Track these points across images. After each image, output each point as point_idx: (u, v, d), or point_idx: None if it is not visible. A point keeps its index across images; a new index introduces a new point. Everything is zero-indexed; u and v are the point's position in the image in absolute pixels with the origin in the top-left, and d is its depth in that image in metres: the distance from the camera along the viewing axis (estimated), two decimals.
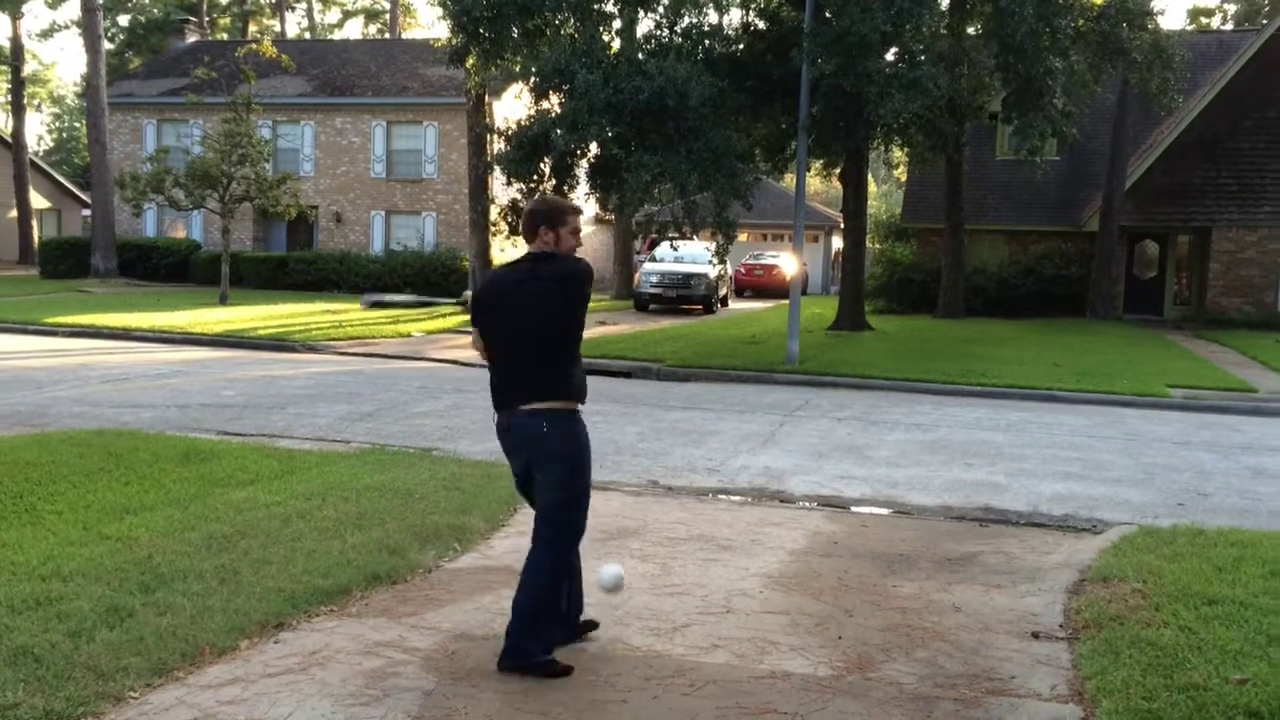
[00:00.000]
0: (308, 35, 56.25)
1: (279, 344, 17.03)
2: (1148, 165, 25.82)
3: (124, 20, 49.62)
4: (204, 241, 33.37)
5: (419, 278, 30.45)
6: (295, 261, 31.72)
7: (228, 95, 26.88)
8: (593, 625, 4.62)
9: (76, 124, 68.63)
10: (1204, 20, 48.75)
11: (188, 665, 4.04)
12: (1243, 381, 15.00)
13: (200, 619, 4.40)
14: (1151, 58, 20.39)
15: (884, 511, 7.36)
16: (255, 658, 4.19)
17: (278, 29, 54.24)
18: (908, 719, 3.83)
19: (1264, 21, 25.79)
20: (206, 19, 48.04)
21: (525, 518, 6.52)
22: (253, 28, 53.54)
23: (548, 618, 4.20)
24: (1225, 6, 49.05)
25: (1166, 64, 20.69)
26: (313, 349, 16.82)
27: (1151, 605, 4.85)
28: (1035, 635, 4.78)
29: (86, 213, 40.98)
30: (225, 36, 50.10)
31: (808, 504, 7.48)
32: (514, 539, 6.08)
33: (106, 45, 38.75)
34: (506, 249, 26.66)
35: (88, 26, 32.78)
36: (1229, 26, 45.32)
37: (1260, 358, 18.02)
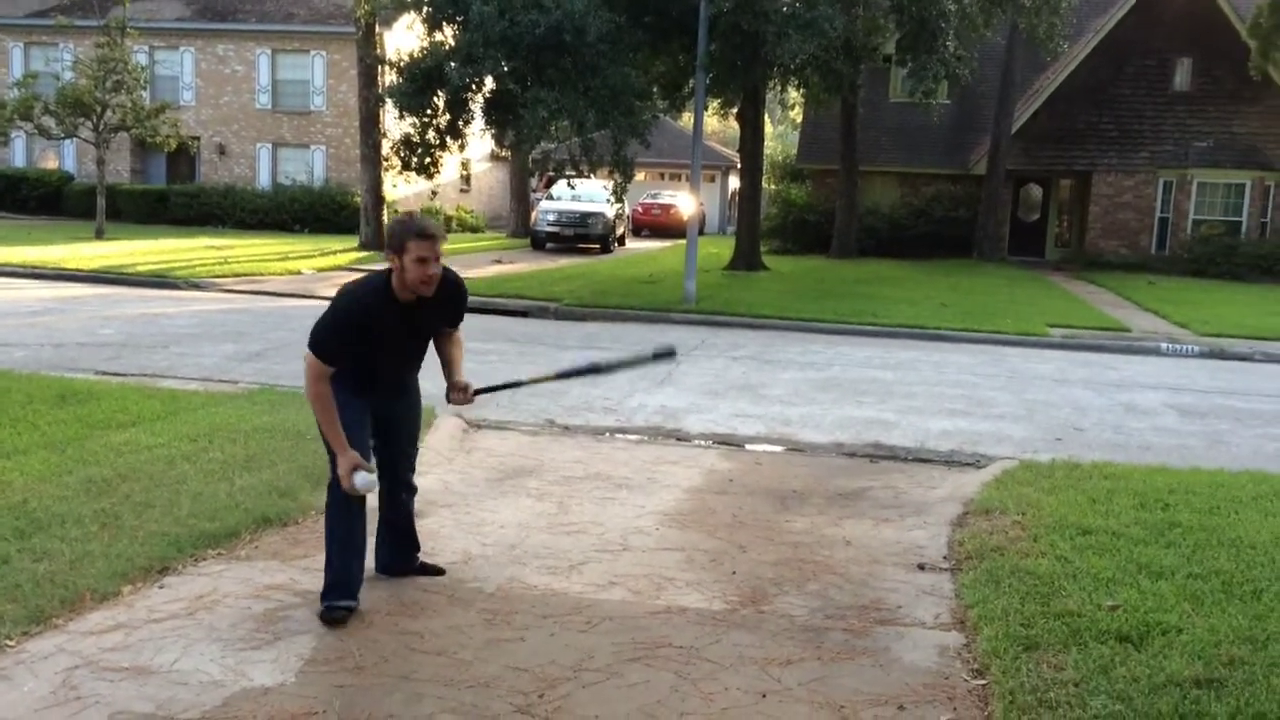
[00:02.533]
0: None
1: (160, 280, 16.40)
2: (1033, 110, 26.48)
3: None
4: (78, 173, 31.83)
5: (309, 214, 29.62)
6: (176, 195, 30.53)
7: (101, 18, 25.49)
8: (435, 570, 4.56)
9: None
10: None
11: (68, 612, 3.91)
12: (1118, 321, 15.63)
13: (80, 565, 4.25)
14: (1039, 2, 20.81)
15: (778, 449, 7.48)
16: (139, 603, 4.07)
17: None
18: (799, 649, 3.93)
19: None
20: None
21: (420, 459, 6.45)
22: None
23: (336, 563, 4.11)
24: None
25: (1054, 10, 21.18)
26: (196, 286, 16.26)
27: (1030, 536, 5.05)
28: (921, 567, 4.93)
29: None
30: None
31: (703, 442, 7.56)
32: None
33: None
34: (399, 184, 26.06)
35: None
36: None
37: (1134, 298, 18.79)
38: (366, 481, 3.95)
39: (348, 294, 4.03)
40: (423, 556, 4.60)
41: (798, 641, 4.00)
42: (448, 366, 4.42)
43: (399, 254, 3.94)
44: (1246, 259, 24.09)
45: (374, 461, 4.18)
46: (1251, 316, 16.36)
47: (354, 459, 3.94)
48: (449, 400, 4.41)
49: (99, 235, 22.79)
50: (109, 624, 3.86)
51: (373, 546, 4.42)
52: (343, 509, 4.08)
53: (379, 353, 4.07)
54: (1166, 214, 25.73)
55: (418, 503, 5.55)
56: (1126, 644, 3.82)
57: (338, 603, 4.04)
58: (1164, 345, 13.75)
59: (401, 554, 4.53)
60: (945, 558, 5.06)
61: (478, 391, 4.40)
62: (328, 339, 3.94)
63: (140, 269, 17.19)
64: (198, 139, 31.74)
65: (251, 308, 14.09)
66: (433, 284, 3.99)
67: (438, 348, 4.39)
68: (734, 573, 4.75)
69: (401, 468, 4.43)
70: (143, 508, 4.98)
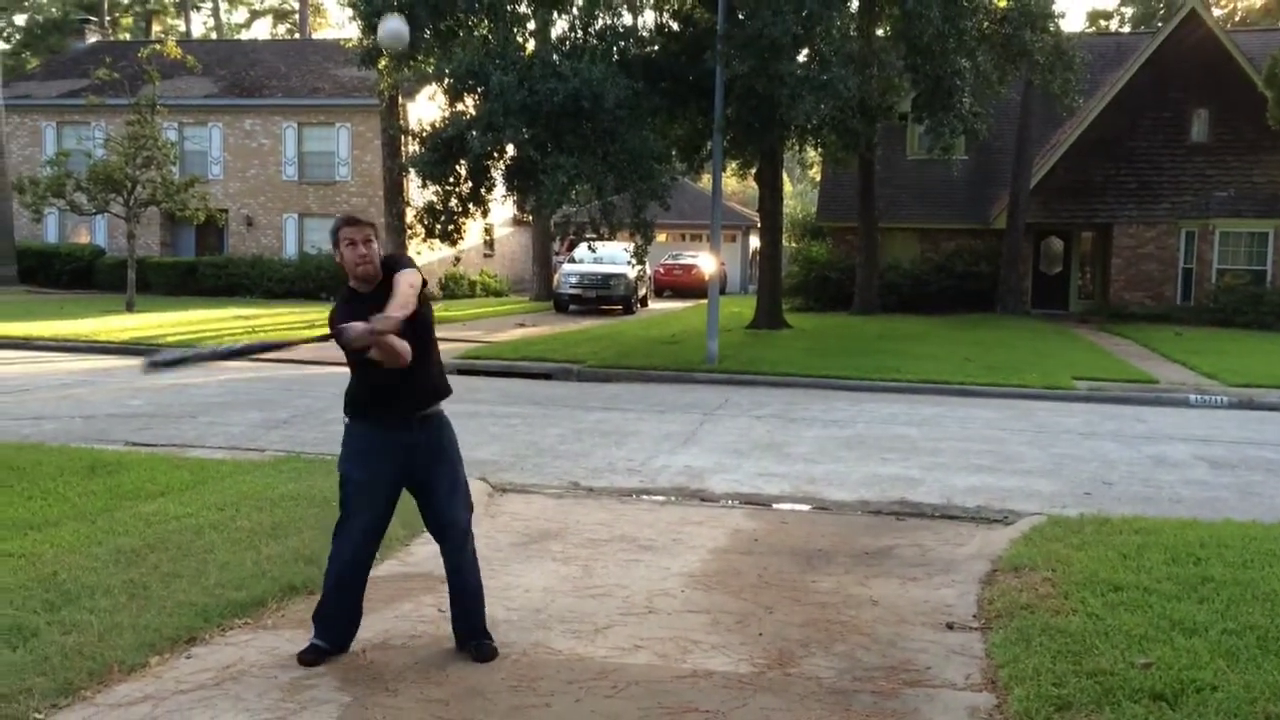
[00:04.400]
0: (214, 35, 54.98)
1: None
2: (1051, 164, 26.56)
3: (20, 20, 47.98)
4: (109, 247, 32.39)
5: (335, 281, 29.88)
6: (205, 266, 30.96)
7: (130, 97, 26.12)
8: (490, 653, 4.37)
9: None
10: (1103, 23, 50.32)
11: (96, 684, 3.92)
12: (1144, 373, 15.52)
13: (108, 636, 4.28)
14: (1053, 59, 21.00)
15: (803, 508, 7.45)
16: (166, 674, 4.08)
17: (182, 29, 52.94)
18: (827, 712, 3.88)
19: (1159, 24, 26.72)
20: (107, 18, 46.69)
21: None
22: (156, 27, 52.18)
23: (324, 607, 4.31)
24: (1123, 9, 50.70)
25: (1068, 65, 21.34)
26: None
27: (1060, 593, 4.99)
28: (950, 626, 4.88)
29: None
30: (128, 37, 48.74)
31: (728, 502, 7.54)
32: (434, 544, 6.01)
33: (2, 45, 37.38)
34: (424, 251, 26.36)
35: None
36: (1126, 29, 46.82)
37: (1160, 349, 18.66)
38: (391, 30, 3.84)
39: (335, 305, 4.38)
40: (447, 620, 4.53)
41: (825, 704, 3.96)
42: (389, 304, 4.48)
43: (336, 247, 4.29)
44: (1272, 308, 23.92)
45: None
46: None
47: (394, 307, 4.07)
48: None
49: (129, 308, 23.13)
50: (137, 695, 3.87)
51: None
52: (343, 544, 4.29)
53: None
54: (1190, 264, 25.63)
55: (443, 567, 5.57)
56: (1161, 702, 3.76)
57: (314, 639, 4.24)
58: (1192, 396, 13.62)
59: (469, 618, 4.41)
60: (974, 616, 5.01)
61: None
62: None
63: (169, 340, 17.42)
64: (226, 211, 32.25)
65: (278, 375, 14.23)
66: (366, 265, 4.22)
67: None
68: (760, 634, 4.71)
69: (448, 515, 4.42)
70: (170, 578, 5.01)
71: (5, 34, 44.60)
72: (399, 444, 4.31)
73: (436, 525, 4.46)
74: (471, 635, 4.39)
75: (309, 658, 4.21)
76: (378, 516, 4.37)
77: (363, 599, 4.40)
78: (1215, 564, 5.41)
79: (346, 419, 4.38)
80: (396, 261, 4.36)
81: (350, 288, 4.36)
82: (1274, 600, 4.83)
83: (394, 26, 3.94)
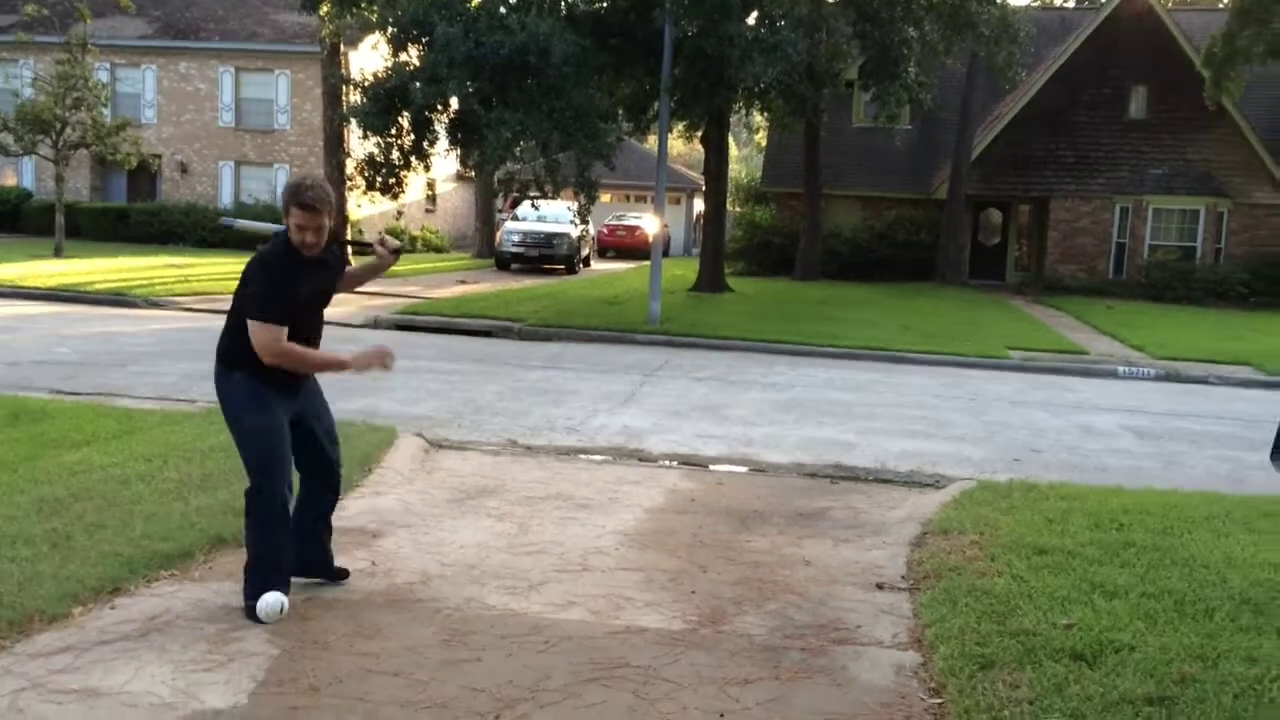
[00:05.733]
0: None
1: (119, 299, 16.21)
2: (993, 136, 26.86)
3: None
4: (36, 190, 31.46)
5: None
6: (137, 213, 30.22)
7: (61, 35, 25.26)
8: (343, 573, 4.64)
9: None
10: None
11: (15, 633, 3.83)
12: (1075, 344, 15.84)
13: (29, 586, 4.18)
14: (999, 31, 21.14)
15: (740, 469, 7.50)
16: (89, 624, 4.00)
17: None
18: (757, 669, 3.93)
19: (1102, 1, 26.98)
20: None
21: (379, 478, 6.43)
22: None
23: (256, 566, 4.21)
24: None
25: (1012, 38, 21.51)
26: (156, 304, 16.08)
27: (987, 556, 5.09)
28: (879, 586, 4.96)
29: None
30: None
31: (666, 462, 7.57)
32: (368, 499, 5.96)
33: None
34: (364, 204, 25.94)
35: None
36: (1070, 4, 47.26)
37: (1092, 322, 19.06)
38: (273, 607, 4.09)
39: (266, 262, 4.12)
40: (380, 574, 4.58)
41: (756, 661, 4.00)
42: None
43: (286, 215, 4.11)
44: (1201, 284, 24.53)
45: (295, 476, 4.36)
46: (1206, 340, 16.63)
47: (356, 359, 4.30)
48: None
49: (58, 253, 22.50)
50: (58, 645, 3.79)
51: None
52: (268, 518, 4.19)
53: (298, 310, 4.17)
54: (1123, 239, 26.13)
55: (377, 522, 5.53)
56: (1081, 662, 3.85)
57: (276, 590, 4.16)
58: (1121, 368, 13.94)
59: (321, 553, 4.56)
60: (903, 577, 5.09)
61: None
62: (271, 303, 4.06)
63: (99, 287, 16.98)
64: (159, 157, 31.47)
65: (211, 326, 13.89)
66: (314, 249, 4.15)
67: (347, 285, 4.67)
68: (693, 592, 4.75)
69: (330, 472, 4.52)
70: (95, 528, 4.91)
71: None
72: (288, 391, 4.30)
73: (320, 465, 4.49)
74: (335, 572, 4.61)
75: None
76: (291, 463, 4.33)
77: None
78: (1137, 530, 5.55)
79: (227, 369, 4.23)
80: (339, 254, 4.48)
81: (290, 249, 4.18)
82: (1191, 565, 4.97)
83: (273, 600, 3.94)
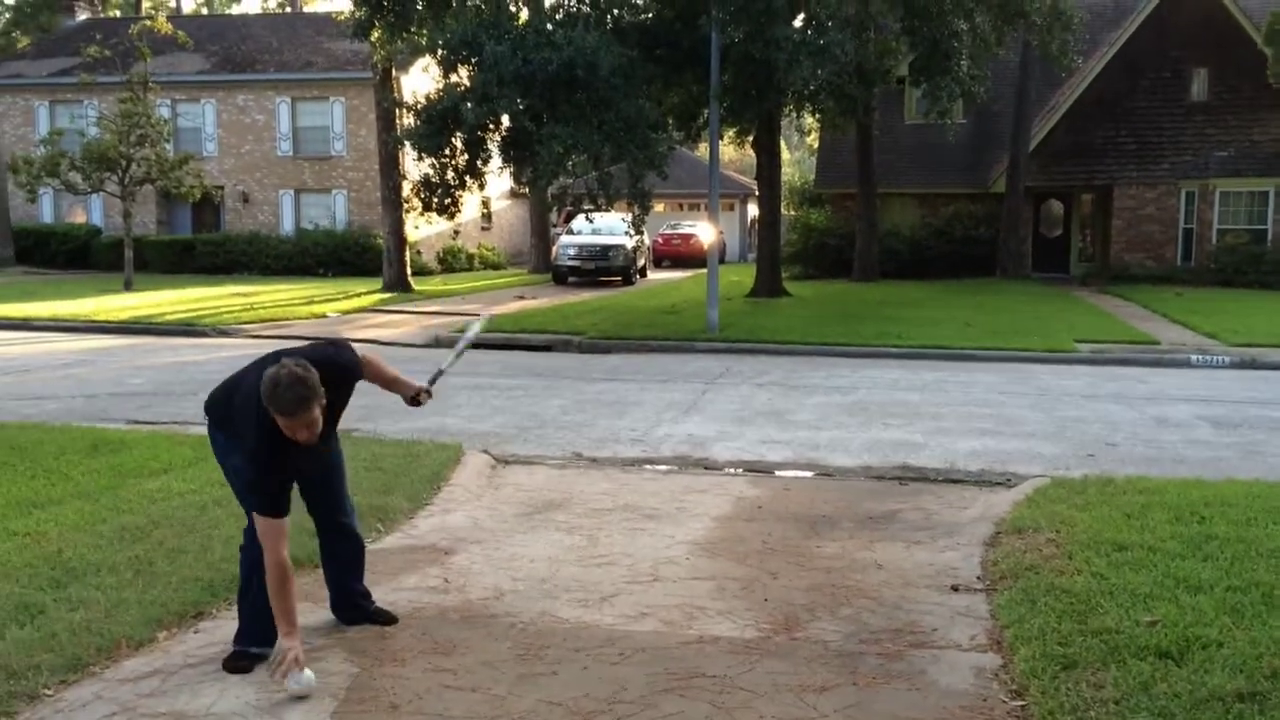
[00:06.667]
0: (204, 11, 54.56)
1: (188, 329, 16.59)
2: (1050, 126, 26.43)
3: None
4: (105, 226, 32.28)
5: (332, 257, 29.94)
6: (202, 244, 30.93)
7: (123, 74, 25.95)
8: (387, 618, 4.38)
9: None
10: None
11: (104, 660, 3.93)
12: (1146, 334, 15.50)
13: (115, 612, 4.28)
14: (1051, 20, 20.82)
15: (806, 474, 7.45)
16: (174, 649, 4.09)
17: (173, 4, 52.46)
18: (834, 675, 3.89)
19: None
20: None
21: (448, 495, 6.49)
22: (147, 3, 51.64)
23: (246, 615, 4.03)
24: None
25: (1066, 26, 21.15)
26: (224, 333, 16.42)
27: (1065, 554, 5.00)
28: (954, 588, 4.89)
29: None
30: (118, 14, 48.27)
31: (732, 470, 7.54)
32: (438, 518, 6.03)
33: None
34: (420, 225, 26.27)
35: None
36: None
37: (1162, 311, 18.64)
38: (302, 682, 3.68)
39: (249, 440, 3.79)
40: (453, 591, 4.58)
41: (832, 668, 3.97)
42: (395, 385, 4.40)
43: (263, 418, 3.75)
44: (1273, 267, 23.86)
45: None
46: None
47: (296, 651, 3.68)
48: (417, 404, 4.46)
49: (127, 287, 23.09)
50: (145, 670, 3.88)
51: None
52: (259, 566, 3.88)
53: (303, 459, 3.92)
54: (1190, 225, 25.54)
55: (449, 539, 5.58)
56: (1166, 660, 3.77)
57: (249, 648, 3.95)
58: (1194, 357, 13.61)
59: (348, 598, 4.38)
60: (979, 578, 5.02)
61: (431, 384, 4.50)
62: (264, 497, 3.76)
63: (169, 318, 17.40)
64: (221, 188, 32.15)
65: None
66: (312, 438, 3.77)
67: (375, 381, 4.35)
68: (766, 600, 4.72)
69: (331, 505, 4.32)
70: (176, 554, 5.02)
71: None
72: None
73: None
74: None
75: (243, 664, 3.90)
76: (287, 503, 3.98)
77: None
78: (1219, 522, 5.41)
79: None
80: (332, 363, 3.97)
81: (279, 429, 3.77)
82: (1278, 557, 4.83)
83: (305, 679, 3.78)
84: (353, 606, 4.39)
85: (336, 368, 4.00)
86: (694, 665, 3.97)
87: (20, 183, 24.03)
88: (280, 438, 3.73)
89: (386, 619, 4.38)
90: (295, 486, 4.06)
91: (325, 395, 3.76)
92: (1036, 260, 28.20)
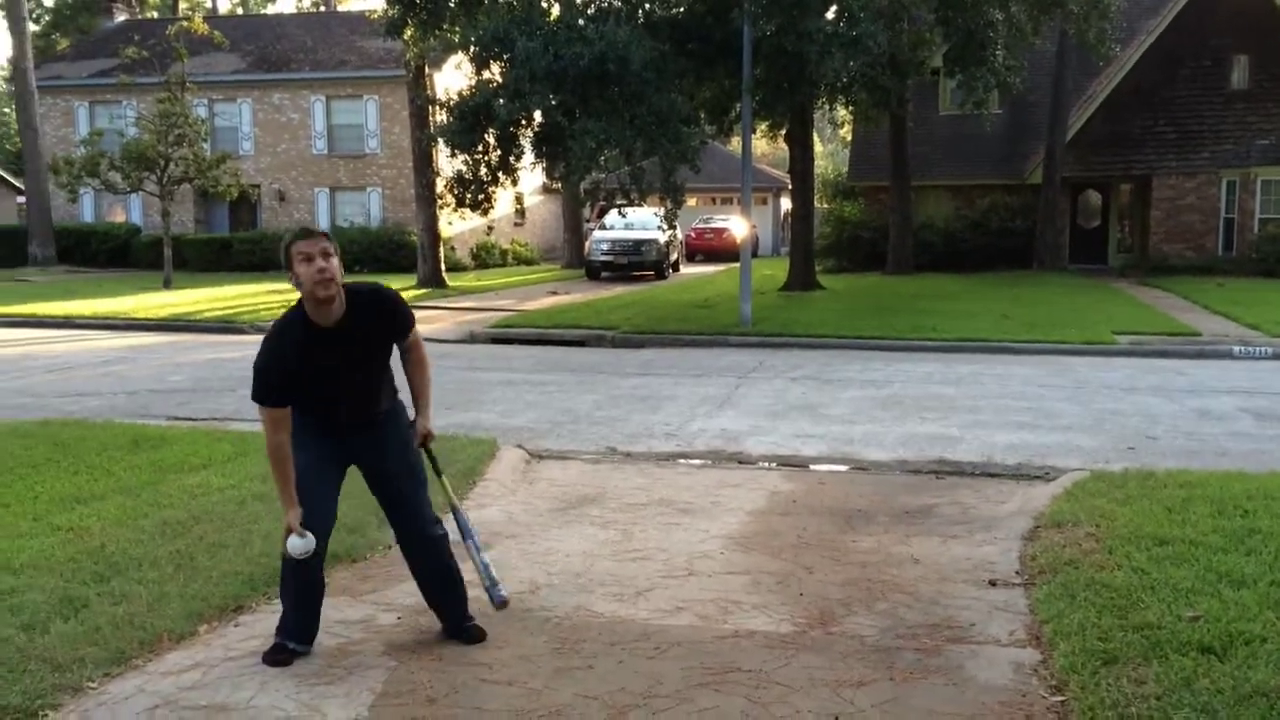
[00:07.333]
0: (240, 11, 55.06)
1: (227, 326, 16.78)
2: (1088, 116, 26.09)
3: (49, 0, 48.24)
4: (144, 225, 32.72)
5: (367, 254, 30.12)
6: (239, 242, 31.24)
7: (161, 75, 26.27)
8: (476, 634, 4.18)
9: (5, 109, 66.85)
10: None
11: (146, 653, 3.99)
12: (1186, 325, 15.29)
13: (157, 606, 4.34)
14: (1088, 8, 20.56)
15: (841, 468, 7.42)
16: (215, 642, 4.14)
17: (209, 5, 53.00)
18: (870, 670, 3.87)
19: None
20: None
21: (483, 490, 6.52)
22: (183, 4, 52.23)
23: (286, 606, 4.04)
24: None
25: (1103, 14, 20.88)
26: (261, 330, 16.56)
27: (1105, 548, 4.94)
28: (992, 583, 4.85)
29: (21, 200, 39.98)
30: (155, 15, 48.85)
31: (766, 464, 7.53)
32: (474, 511, 6.05)
33: (32, 27, 37.69)
34: (455, 222, 26.38)
35: (11, 8, 31.87)
36: None
37: (1202, 302, 18.36)
38: (297, 546, 3.79)
39: (270, 332, 3.87)
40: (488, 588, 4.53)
41: (869, 662, 3.95)
42: (413, 397, 4.20)
43: (290, 267, 3.74)
44: None
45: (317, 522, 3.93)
46: None
47: (290, 520, 3.80)
48: (422, 443, 4.25)
49: (166, 285, 23.38)
50: (187, 663, 3.93)
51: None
52: (285, 559, 3.95)
53: (326, 388, 3.87)
54: (1232, 214, 25.16)
55: (484, 533, 5.59)
56: (1209, 655, 3.71)
57: (287, 642, 3.97)
58: (1236, 348, 13.41)
59: (444, 606, 4.22)
60: (1017, 572, 4.97)
61: (423, 446, 4.23)
62: (259, 383, 3.80)
63: (207, 315, 17.60)
64: (258, 187, 32.46)
65: None
66: (329, 283, 3.70)
67: (405, 371, 4.17)
68: (801, 594, 4.71)
69: (406, 513, 4.13)
70: (216, 548, 5.08)
71: (34, 15, 44.87)
72: (336, 431, 4.03)
73: (394, 502, 4.20)
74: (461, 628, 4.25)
75: (282, 657, 3.92)
76: (324, 509, 3.99)
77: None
78: (1263, 516, 5.33)
79: None
80: (376, 293, 3.96)
81: (305, 318, 3.79)
82: None
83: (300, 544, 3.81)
84: (451, 630, 4.20)
85: (386, 295, 3.98)
86: (729, 660, 3.97)
87: (61, 183, 24.40)
88: (301, 335, 3.77)
89: (476, 635, 4.18)
90: (373, 494, 4.14)
91: (368, 321, 3.86)
92: (1074, 252, 27.87)
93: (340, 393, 3.94)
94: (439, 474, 4.32)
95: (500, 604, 4.19)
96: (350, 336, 3.85)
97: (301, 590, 3.99)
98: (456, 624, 4.20)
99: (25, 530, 5.33)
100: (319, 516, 3.93)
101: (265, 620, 4.35)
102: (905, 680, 3.79)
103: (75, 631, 4.06)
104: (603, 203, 20.71)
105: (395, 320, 4.01)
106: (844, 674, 3.84)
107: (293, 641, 3.99)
